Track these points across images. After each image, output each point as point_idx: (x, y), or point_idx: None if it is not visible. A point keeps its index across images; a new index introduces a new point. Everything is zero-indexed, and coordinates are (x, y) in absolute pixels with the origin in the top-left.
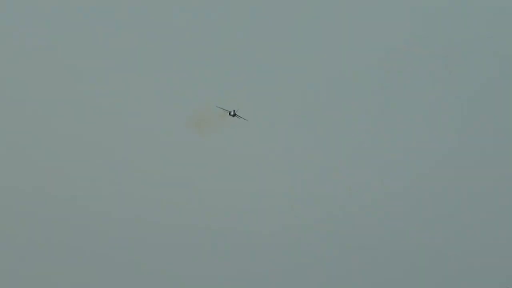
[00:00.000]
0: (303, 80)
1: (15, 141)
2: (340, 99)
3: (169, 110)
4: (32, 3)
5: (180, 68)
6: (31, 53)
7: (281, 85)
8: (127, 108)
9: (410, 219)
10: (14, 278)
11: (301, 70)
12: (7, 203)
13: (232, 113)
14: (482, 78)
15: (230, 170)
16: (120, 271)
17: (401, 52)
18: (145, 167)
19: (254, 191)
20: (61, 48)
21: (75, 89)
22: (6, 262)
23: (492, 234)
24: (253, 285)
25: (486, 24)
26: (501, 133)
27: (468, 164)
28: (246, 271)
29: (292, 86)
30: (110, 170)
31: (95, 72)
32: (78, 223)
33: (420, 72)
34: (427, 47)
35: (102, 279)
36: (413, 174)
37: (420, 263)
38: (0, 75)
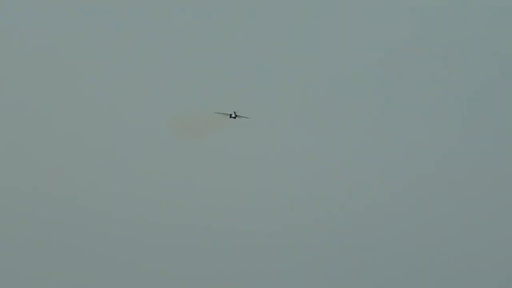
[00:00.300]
0: (303, 80)
1: (15, 141)
2: (340, 99)
3: (169, 110)
4: (32, 3)
5: (180, 68)
6: (31, 53)
7: (281, 85)
8: (127, 108)
9: (410, 219)
10: (14, 278)
11: (301, 70)
12: (7, 203)
13: (233, 115)
14: (482, 78)
15: (230, 170)
16: (120, 271)
17: (401, 52)
18: (145, 167)
19: (254, 191)
20: (61, 48)
21: (75, 89)
22: (6, 263)
23: (492, 234)
24: (253, 285)
25: (486, 24)
26: (501, 133)
27: (468, 164)
28: (246, 271)
29: (292, 86)
30: (110, 170)
31: (95, 72)
32: (78, 223)
33: (420, 72)
34: (427, 47)
35: (102, 279)
36: (413, 174)
37: (420, 263)
38: (0, 75)
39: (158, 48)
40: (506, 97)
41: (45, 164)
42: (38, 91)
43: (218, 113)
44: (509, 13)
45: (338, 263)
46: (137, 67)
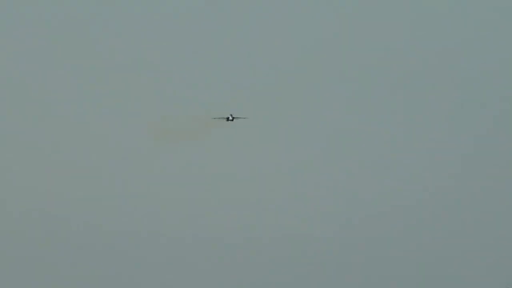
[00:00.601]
0: (303, 80)
1: (13, 141)
2: (340, 99)
3: (169, 110)
4: (32, 3)
5: (179, 68)
6: (31, 53)
7: (281, 85)
8: (127, 109)
9: (411, 219)
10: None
11: (301, 70)
12: (6, 208)
13: (230, 118)
14: (482, 78)
15: (230, 171)
16: (120, 273)
17: (401, 52)
18: (144, 169)
19: (254, 193)
20: (61, 48)
21: (75, 89)
22: (5, 266)
23: (492, 234)
24: (253, 285)
25: (486, 24)
26: (502, 133)
27: (469, 164)
28: (246, 272)
29: (292, 86)
30: (109, 174)
31: (94, 73)
32: (77, 224)
33: (420, 72)
34: (427, 47)
35: (103, 282)
36: (413, 174)
37: (420, 263)
38: (0, 75)
39: (158, 48)
40: (506, 97)
41: (41, 164)
42: (37, 91)
43: (214, 118)
44: (509, 13)
45: (338, 263)
46: (136, 67)
